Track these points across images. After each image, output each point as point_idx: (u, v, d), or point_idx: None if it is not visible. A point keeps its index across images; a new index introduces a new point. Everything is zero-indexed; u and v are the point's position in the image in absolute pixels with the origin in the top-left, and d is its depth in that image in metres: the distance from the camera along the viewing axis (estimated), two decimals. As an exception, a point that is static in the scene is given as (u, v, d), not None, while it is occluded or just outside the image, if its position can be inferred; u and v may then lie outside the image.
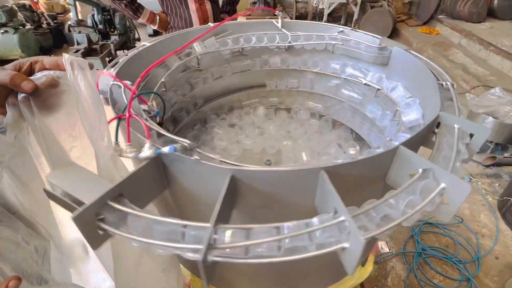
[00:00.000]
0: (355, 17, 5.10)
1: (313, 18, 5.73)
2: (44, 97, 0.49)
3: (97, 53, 3.52)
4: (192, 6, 1.64)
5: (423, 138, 0.51)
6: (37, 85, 0.47)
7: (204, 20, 1.68)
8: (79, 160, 0.57)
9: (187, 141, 0.44)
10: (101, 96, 0.59)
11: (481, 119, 2.24)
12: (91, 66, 0.49)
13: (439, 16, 5.12)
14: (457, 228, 1.91)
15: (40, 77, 0.48)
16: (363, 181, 0.45)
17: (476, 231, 1.89)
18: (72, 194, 0.39)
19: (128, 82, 0.54)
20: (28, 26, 4.42)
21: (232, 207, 0.43)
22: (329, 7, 4.98)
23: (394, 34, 5.21)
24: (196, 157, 0.39)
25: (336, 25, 0.89)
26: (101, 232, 0.38)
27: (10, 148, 0.53)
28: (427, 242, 1.84)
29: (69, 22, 4.13)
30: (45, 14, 5.09)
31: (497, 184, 2.22)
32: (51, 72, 0.49)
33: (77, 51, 3.65)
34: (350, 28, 0.87)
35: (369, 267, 0.78)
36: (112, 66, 0.66)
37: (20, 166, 0.55)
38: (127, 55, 0.71)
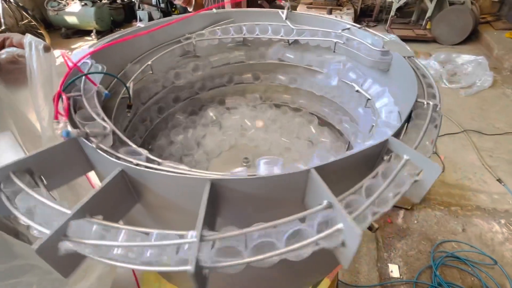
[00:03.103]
0: (429, 13, 4.53)
1: (380, 12, 5.27)
2: (5, 72, 0.53)
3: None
4: (226, -12, 1.61)
5: (368, 163, 0.43)
6: None
7: (236, 5, 1.64)
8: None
9: (109, 125, 0.44)
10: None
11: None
12: (47, 49, 0.52)
13: (537, 20, 4.28)
14: (490, 269, 1.64)
15: (2, 53, 0.53)
16: (273, 201, 0.40)
17: (514, 279, 1.61)
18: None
19: (98, 65, 0.56)
20: (105, 0, 4.87)
21: (132, 201, 0.42)
22: (399, 1, 4.51)
23: (473, 36, 4.52)
24: (93, 145, 0.39)
25: (344, 21, 0.80)
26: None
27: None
28: (447, 277, 1.62)
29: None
30: (120, -10, 5.55)
31: (558, 230, 1.84)
32: (14, 49, 0.53)
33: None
34: (359, 26, 0.77)
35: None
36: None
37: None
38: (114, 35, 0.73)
